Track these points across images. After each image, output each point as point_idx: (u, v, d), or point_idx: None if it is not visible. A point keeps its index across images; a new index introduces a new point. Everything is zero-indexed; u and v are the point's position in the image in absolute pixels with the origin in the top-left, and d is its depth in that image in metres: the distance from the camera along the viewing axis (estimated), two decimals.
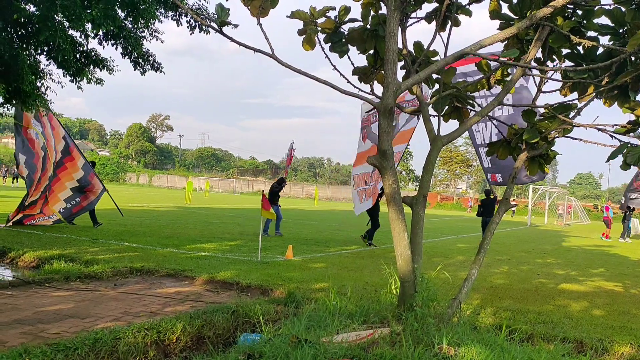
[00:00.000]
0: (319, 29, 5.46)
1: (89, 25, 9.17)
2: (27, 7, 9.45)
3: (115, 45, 11.33)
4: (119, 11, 9.72)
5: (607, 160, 5.08)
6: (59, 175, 13.33)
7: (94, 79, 11.61)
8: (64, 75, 10.89)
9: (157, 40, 12.04)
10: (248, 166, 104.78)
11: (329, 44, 5.64)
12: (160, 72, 12.10)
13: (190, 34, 11.57)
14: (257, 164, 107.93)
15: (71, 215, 13.64)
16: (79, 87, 11.30)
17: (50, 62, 10.72)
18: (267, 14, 4.81)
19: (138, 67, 11.87)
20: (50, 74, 10.90)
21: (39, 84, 10.17)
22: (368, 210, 13.13)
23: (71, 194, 13.42)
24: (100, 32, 10.64)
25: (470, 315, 6.18)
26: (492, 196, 15.59)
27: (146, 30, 11.55)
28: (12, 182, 42.92)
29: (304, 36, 5.44)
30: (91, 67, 11.24)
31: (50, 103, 10.94)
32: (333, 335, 4.56)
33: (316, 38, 5.46)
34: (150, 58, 11.96)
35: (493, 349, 4.36)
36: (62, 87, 11.78)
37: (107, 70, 11.60)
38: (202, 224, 17.30)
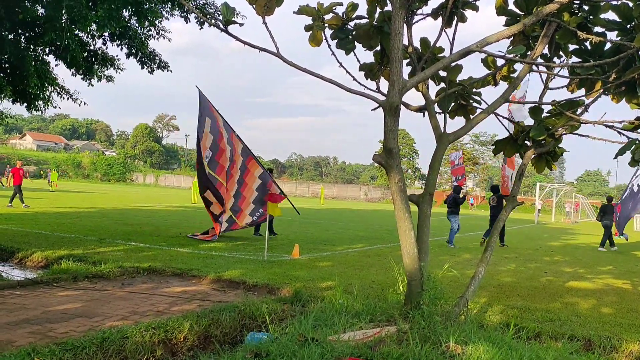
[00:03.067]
0: (326, 25, 5.44)
1: (94, 26, 9.20)
2: (35, 7, 9.50)
3: (120, 46, 11.36)
4: (124, 11, 9.74)
5: (615, 157, 5.05)
6: (245, 180, 12.29)
7: (105, 76, 11.65)
8: (73, 75, 10.95)
9: (164, 38, 12.06)
10: None
11: (335, 41, 5.62)
12: (168, 70, 12.13)
13: (200, 29, 11.69)
14: (263, 163, 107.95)
15: (258, 225, 13.45)
16: (89, 85, 11.35)
17: (59, 63, 10.78)
18: (273, 13, 4.80)
19: (145, 67, 11.93)
20: (56, 75, 10.94)
21: (45, 84, 10.21)
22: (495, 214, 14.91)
23: (254, 207, 12.60)
24: (106, 33, 10.68)
25: (478, 314, 6.15)
26: (613, 202, 17.13)
27: (153, 29, 11.57)
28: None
29: (311, 32, 5.43)
30: (98, 66, 11.30)
31: (54, 100, 10.98)
32: (340, 333, 4.56)
33: (322, 35, 5.44)
34: (157, 58, 12.00)
35: (500, 347, 4.34)
36: (71, 94, 11.64)
37: (114, 69, 11.64)
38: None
